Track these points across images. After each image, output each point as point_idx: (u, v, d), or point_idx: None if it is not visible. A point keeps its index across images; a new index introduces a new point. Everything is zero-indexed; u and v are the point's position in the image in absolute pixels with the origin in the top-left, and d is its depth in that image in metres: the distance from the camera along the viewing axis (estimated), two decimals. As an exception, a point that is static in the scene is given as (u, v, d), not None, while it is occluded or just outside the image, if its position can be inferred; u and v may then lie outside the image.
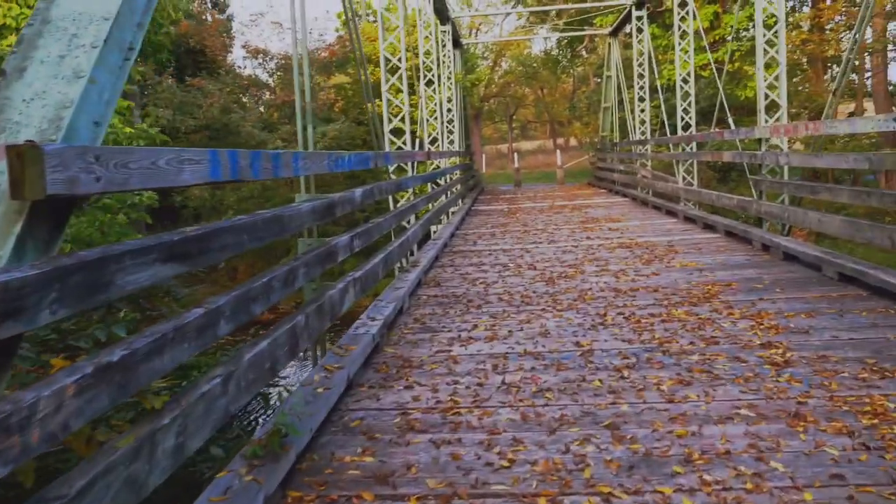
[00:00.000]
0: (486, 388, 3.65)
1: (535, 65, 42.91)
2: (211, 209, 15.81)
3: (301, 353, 7.16)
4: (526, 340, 4.54)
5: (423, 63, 13.54)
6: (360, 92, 20.98)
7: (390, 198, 8.85)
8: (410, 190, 8.87)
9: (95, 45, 1.86)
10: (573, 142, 53.00)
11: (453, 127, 17.46)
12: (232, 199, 15.59)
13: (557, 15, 28.21)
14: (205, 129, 16.49)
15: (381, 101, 11.05)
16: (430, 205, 10.07)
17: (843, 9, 20.08)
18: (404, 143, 9.08)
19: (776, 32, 8.94)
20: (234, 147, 18.43)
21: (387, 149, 8.89)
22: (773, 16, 8.94)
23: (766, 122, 9.10)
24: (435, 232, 10.65)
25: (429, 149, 13.60)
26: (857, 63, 23.93)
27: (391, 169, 9.04)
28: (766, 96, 9.05)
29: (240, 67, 22.46)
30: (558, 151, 45.01)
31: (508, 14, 44.16)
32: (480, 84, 28.87)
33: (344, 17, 27.62)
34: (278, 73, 19.20)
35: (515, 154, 47.56)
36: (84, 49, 1.85)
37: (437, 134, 14.79)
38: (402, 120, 11.27)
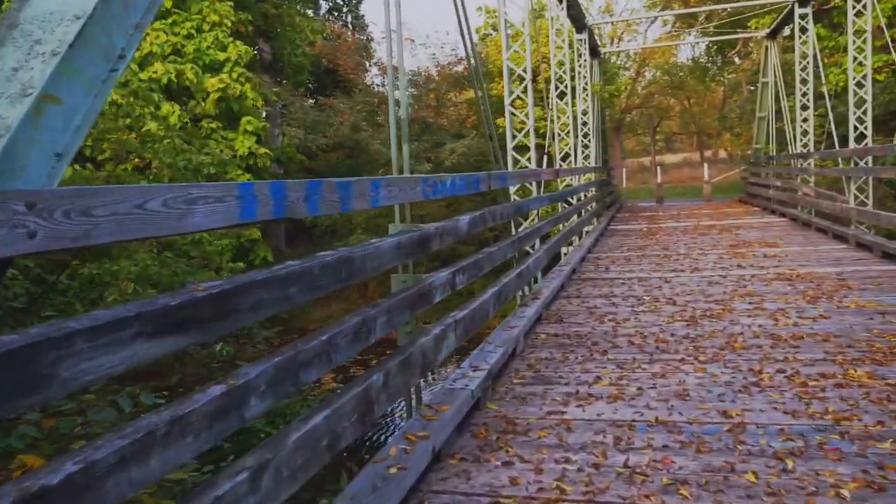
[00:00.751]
0: (604, 473, 2.92)
1: (681, 74, 40.67)
2: (342, 226, 15.94)
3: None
4: (658, 403, 3.74)
5: (555, 73, 12.79)
6: (494, 107, 20.59)
7: (512, 223, 8.23)
8: (535, 212, 8.20)
9: (57, 52, 1.41)
10: (721, 154, 49.75)
11: (589, 141, 16.52)
12: (360, 218, 15.62)
13: (707, 18, 26.37)
14: (339, 148, 16.71)
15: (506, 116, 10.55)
16: (560, 225, 9.34)
17: None
18: (529, 160, 8.42)
19: None
20: (364, 165, 18.66)
21: (510, 167, 8.28)
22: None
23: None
24: (565, 254, 9.87)
25: (560, 165, 12.83)
26: None
27: (512, 190, 8.41)
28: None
29: (377, 86, 22.81)
30: (705, 165, 42.37)
31: (654, 19, 42.26)
32: (621, 95, 27.52)
33: (482, 32, 27.42)
34: (410, 90, 19.25)
35: (658, 168, 45.45)
36: (42, 58, 1.41)
37: (570, 149, 13.97)
38: (527, 136, 10.65)
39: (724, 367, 4.34)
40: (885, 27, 14.78)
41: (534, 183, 7.93)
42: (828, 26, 19.22)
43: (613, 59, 46.64)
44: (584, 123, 16.47)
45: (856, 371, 4.07)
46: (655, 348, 4.88)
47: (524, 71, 8.46)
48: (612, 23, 33.53)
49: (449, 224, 4.13)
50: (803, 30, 15.38)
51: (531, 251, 7.75)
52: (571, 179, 12.63)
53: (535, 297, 6.27)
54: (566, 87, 13.10)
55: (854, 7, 12.84)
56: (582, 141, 16.35)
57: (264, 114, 18.09)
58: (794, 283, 6.94)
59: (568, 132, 14.08)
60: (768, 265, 8.22)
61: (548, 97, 12.50)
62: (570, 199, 11.38)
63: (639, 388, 4.01)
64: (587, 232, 12.65)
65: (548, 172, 8.40)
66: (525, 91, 8.45)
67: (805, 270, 7.65)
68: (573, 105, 13.98)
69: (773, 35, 19.09)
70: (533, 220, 8.25)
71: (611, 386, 4.10)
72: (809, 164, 14.40)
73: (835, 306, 5.81)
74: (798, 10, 15.37)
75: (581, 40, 16.55)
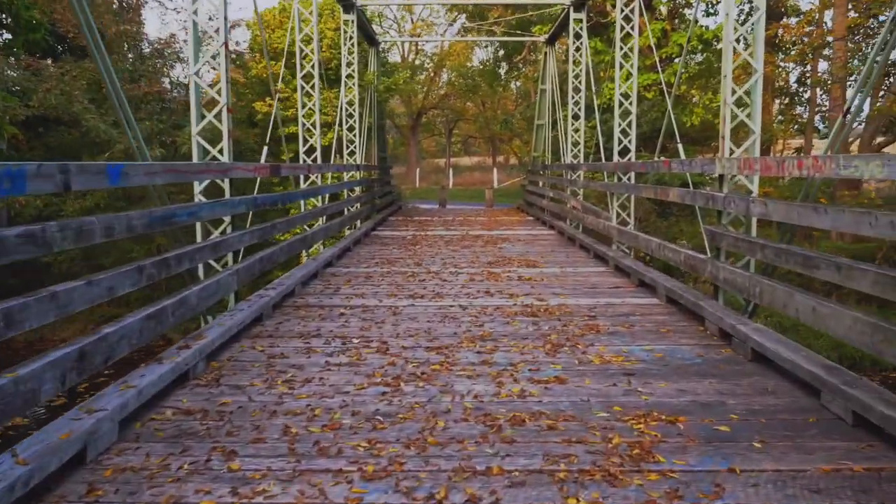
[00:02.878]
0: None
1: (477, 77, 40.78)
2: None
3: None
4: None
5: (301, 52, 10.87)
6: (256, 89, 18.22)
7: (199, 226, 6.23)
8: (227, 220, 6.28)
9: None
10: (513, 160, 51.11)
11: (355, 136, 14.85)
12: (72, 209, 12.60)
13: (496, 22, 26.08)
14: (54, 122, 13.48)
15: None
16: (285, 234, 7.51)
17: (808, 30, 18.49)
18: (221, 151, 6.45)
19: (752, 27, 6.69)
20: (85, 146, 15.42)
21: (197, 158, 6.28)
22: (748, 1, 6.72)
23: (732, 152, 6.83)
24: (299, 265, 8.03)
25: (305, 160, 10.97)
26: (807, 96, 22.57)
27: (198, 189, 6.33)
28: (734, 115, 6.76)
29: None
30: (495, 170, 43.12)
31: (452, 22, 42.09)
32: (414, 92, 26.26)
33: None
34: (138, 61, 16.20)
35: (451, 170, 45.51)
36: None
37: (349, 144, 12.17)
38: (274, 123, 8.70)
39: (397, 481, 2.77)
40: (654, 48, 14.82)
41: (222, 180, 5.97)
42: (606, 41, 19.40)
43: (414, 59, 46.02)
44: (350, 115, 14.80)
45: (581, 495, 2.67)
46: (313, 446, 3.19)
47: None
48: (380, 5, 32.06)
49: None
50: (578, 35, 14.99)
51: (220, 269, 5.81)
52: (316, 177, 10.85)
53: (185, 346, 4.34)
54: (316, 70, 11.13)
55: (623, 28, 12.43)
56: (347, 135, 14.69)
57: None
58: (538, 322, 5.70)
59: (331, 125, 12.25)
60: (518, 292, 7.01)
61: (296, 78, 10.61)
62: (314, 199, 9.66)
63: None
64: (342, 237, 10.96)
65: (249, 168, 6.47)
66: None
67: (556, 302, 6.50)
68: (327, 95, 12.15)
69: (551, 41, 18.80)
70: (225, 229, 6.33)
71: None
72: (579, 175, 13.96)
73: (576, 360, 4.55)
74: (573, 15, 14.94)
75: (348, 21, 14.83)
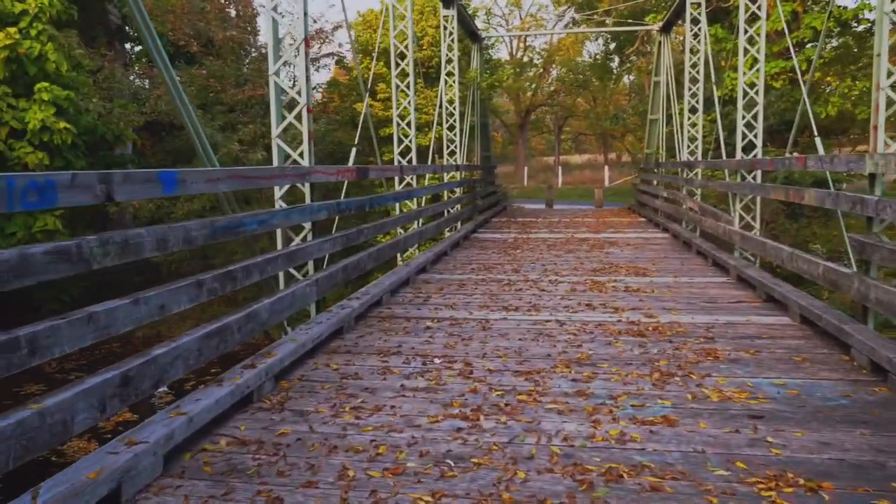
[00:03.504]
0: None
1: (586, 72, 39.47)
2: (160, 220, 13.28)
3: None
4: None
5: (395, 49, 10.50)
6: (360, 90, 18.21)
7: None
8: (307, 226, 5.94)
9: None
10: (626, 157, 49.20)
11: (455, 135, 14.39)
12: (181, 213, 12.96)
13: (606, 13, 24.92)
14: (167, 126, 13.97)
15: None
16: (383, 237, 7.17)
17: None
18: (302, 155, 6.12)
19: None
20: (181, 150, 15.91)
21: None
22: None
23: (887, 146, 5.77)
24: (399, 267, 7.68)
25: (399, 162, 10.65)
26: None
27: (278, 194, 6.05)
28: (889, 102, 5.68)
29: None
30: (606, 168, 41.67)
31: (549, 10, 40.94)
32: (502, 87, 25.41)
33: None
34: (248, 66, 16.50)
35: (560, 168, 44.42)
36: None
37: (433, 143, 11.80)
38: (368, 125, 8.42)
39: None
40: (786, 31, 13.45)
41: (304, 186, 5.64)
42: (726, 28, 17.97)
43: (524, 55, 45.28)
44: (451, 114, 14.36)
45: None
46: (369, 496, 2.74)
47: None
48: (504, 12, 31.59)
49: None
50: (696, 21, 13.83)
51: (301, 278, 5.51)
52: (412, 179, 10.49)
53: (251, 366, 4.03)
54: (410, 67, 10.69)
55: (747, 9, 11.26)
56: (447, 135, 14.26)
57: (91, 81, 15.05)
58: (646, 343, 5.01)
59: (432, 125, 11.89)
60: (624, 306, 6.31)
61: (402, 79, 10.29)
62: (408, 202, 9.31)
63: None
64: (436, 241, 10.57)
65: (332, 171, 6.10)
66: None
67: (667, 319, 5.76)
68: (425, 95, 11.78)
69: (666, 29, 17.56)
70: (305, 235, 6.01)
71: None
72: (696, 174, 12.88)
73: (690, 395, 3.87)
74: (690, 0, 13.78)
75: (448, 16, 14.38)
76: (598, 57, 35.14)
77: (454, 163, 14.37)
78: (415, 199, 10.27)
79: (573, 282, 7.69)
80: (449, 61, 14.30)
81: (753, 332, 5.31)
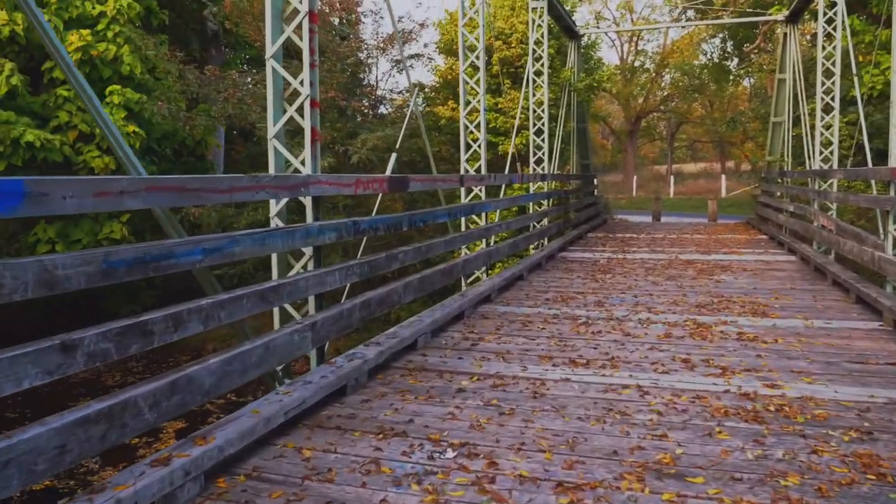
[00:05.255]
0: None
1: (702, 76, 36.60)
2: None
3: None
4: None
5: (464, 37, 9.03)
6: (442, 92, 17.05)
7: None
8: (308, 252, 4.69)
9: None
10: (745, 165, 45.48)
11: (543, 142, 12.81)
12: (244, 223, 12.22)
13: (723, 8, 22.49)
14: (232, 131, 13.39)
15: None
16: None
17: None
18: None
19: None
20: (259, 156, 15.26)
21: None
22: None
23: None
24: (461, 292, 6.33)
25: (465, 170, 9.25)
26: None
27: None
28: None
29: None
30: (723, 177, 38.49)
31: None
32: (603, 89, 23.37)
33: None
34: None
35: (672, 178, 41.53)
36: None
37: (514, 149, 10.36)
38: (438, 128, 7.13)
39: None
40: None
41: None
42: (865, 19, 15.40)
43: (636, 59, 42.84)
44: (539, 118, 12.81)
45: None
46: None
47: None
48: (615, 15, 29.45)
49: None
50: (832, 5, 11.64)
51: (300, 318, 4.28)
52: (479, 190, 9.06)
53: (164, 460, 2.82)
54: (482, 60, 9.19)
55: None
56: (534, 141, 12.72)
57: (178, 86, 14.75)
58: (764, 438, 3.40)
59: (512, 129, 10.47)
60: (735, 365, 4.67)
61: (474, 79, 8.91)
62: (477, 216, 7.95)
63: None
64: (519, 258, 9.13)
65: (348, 182, 4.78)
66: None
67: (796, 392, 4.09)
68: (514, 96, 10.33)
69: (793, 18, 15.18)
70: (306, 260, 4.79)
71: None
72: (831, 185, 10.74)
73: (841, 561, 2.29)
74: (827, -19, 11.63)
75: (537, 9, 12.80)
76: (714, 57, 32.30)
77: (541, 171, 12.85)
78: (483, 215, 8.88)
79: (670, 322, 6.07)
80: (538, 59, 12.80)
81: (935, 423, 3.57)
